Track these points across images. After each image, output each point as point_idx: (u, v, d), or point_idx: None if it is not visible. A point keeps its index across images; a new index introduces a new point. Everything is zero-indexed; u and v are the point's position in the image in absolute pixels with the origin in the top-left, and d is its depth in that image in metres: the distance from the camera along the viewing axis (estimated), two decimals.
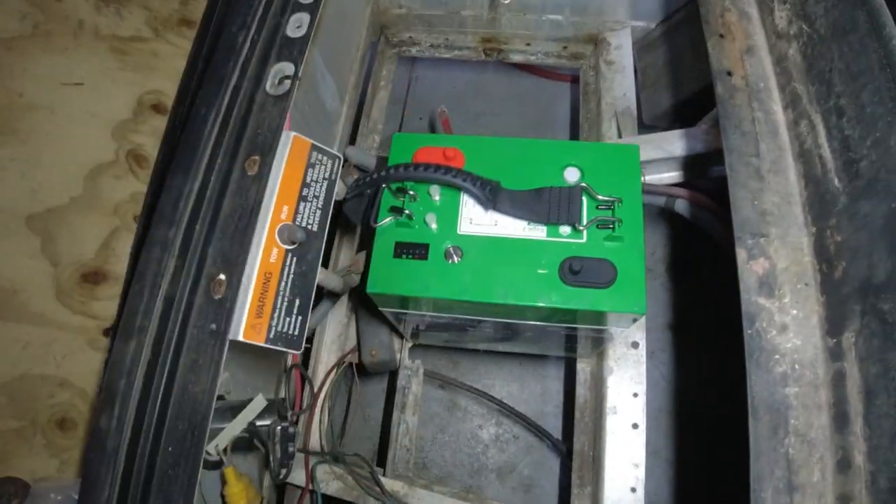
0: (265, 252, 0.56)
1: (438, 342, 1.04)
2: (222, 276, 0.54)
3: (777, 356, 0.49)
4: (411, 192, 0.70)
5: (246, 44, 0.68)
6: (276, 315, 0.56)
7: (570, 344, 0.92)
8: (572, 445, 0.96)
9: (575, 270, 0.65)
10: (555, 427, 1.22)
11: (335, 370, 0.92)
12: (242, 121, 0.61)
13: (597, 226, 0.69)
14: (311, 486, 0.87)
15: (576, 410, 0.97)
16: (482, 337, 0.89)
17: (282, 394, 0.84)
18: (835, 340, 0.48)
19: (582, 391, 0.98)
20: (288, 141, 0.62)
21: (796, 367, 0.48)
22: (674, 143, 0.99)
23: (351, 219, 0.76)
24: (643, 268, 0.67)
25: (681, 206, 0.94)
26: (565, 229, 0.69)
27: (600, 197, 0.69)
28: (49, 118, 0.76)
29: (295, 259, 0.59)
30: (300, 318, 0.58)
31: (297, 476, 0.88)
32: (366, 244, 0.90)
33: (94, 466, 0.52)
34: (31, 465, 0.71)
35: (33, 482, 0.64)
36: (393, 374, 1.09)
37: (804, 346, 0.49)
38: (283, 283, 0.58)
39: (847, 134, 0.52)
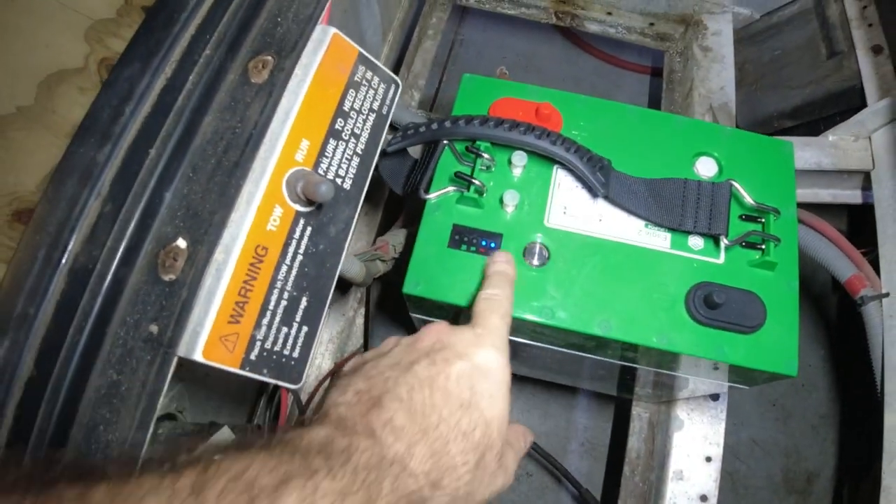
0: (262, 211, 0.33)
1: None
2: (181, 243, 0.32)
3: None
4: (486, 157, 0.49)
5: None
6: (265, 321, 0.33)
7: (629, 381, 0.72)
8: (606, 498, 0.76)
9: (714, 303, 0.44)
10: (577, 470, 1.01)
11: (330, 381, 0.71)
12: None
13: (742, 243, 0.48)
14: None
15: (625, 465, 0.77)
16: (530, 364, 0.69)
17: (257, 418, 0.62)
18: None
19: (635, 443, 0.78)
20: (325, 40, 0.39)
21: None
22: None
23: (388, 182, 0.55)
24: (797, 311, 0.47)
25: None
26: (697, 241, 0.48)
27: (752, 202, 0.48)
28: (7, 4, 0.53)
29: (310, 230, 0.36)
30: (306, 329, 0.35)
31: None
32: (399, 222, 0.68)
33: None
34: None
35: None
36: None
37: None
38: (284, 268, 0.34)
39: None
